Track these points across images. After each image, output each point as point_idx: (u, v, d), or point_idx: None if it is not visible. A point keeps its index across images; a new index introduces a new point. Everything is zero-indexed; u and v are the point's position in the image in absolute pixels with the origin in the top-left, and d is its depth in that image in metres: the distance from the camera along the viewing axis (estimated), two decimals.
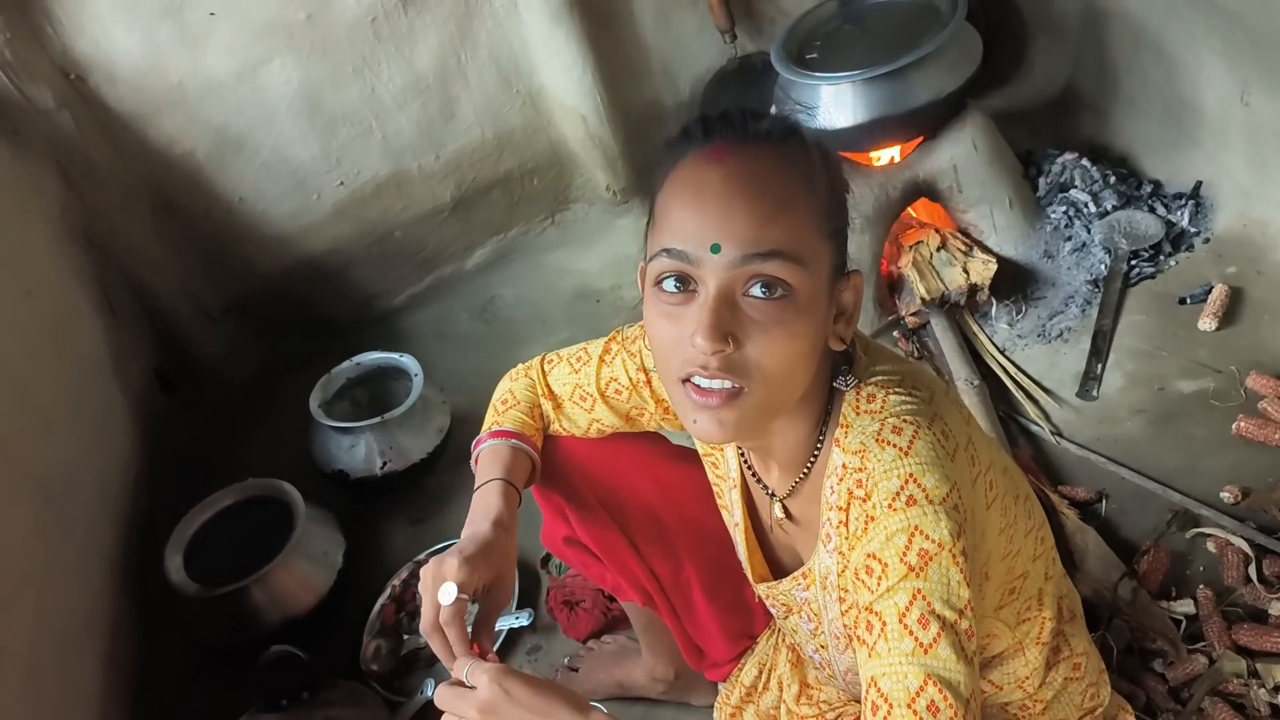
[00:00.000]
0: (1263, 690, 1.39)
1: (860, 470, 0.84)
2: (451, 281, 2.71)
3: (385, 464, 2.02)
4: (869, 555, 0.81)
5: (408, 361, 2.13)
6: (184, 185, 2.28)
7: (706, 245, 0.80)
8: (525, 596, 1.84)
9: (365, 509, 2.08)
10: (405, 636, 1.81)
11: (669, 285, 0.83)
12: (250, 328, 2.51)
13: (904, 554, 0.79)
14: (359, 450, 2.03)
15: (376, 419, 2.00)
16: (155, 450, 2.16)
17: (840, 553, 0.89)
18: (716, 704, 1.42)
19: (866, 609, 0.81)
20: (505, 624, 1.78)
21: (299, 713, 1.63)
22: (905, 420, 0.84)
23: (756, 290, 0.81)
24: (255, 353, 2.52)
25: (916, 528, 0.79)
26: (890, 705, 0.76)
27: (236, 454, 2.28)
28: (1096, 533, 1.65)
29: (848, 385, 0.90)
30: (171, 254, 2.34)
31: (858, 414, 0.88)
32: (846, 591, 0.84)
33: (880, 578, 0.80)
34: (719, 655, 1.37)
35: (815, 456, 0.94)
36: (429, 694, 1.67)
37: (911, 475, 0.81)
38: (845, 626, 0.95)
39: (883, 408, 0.87)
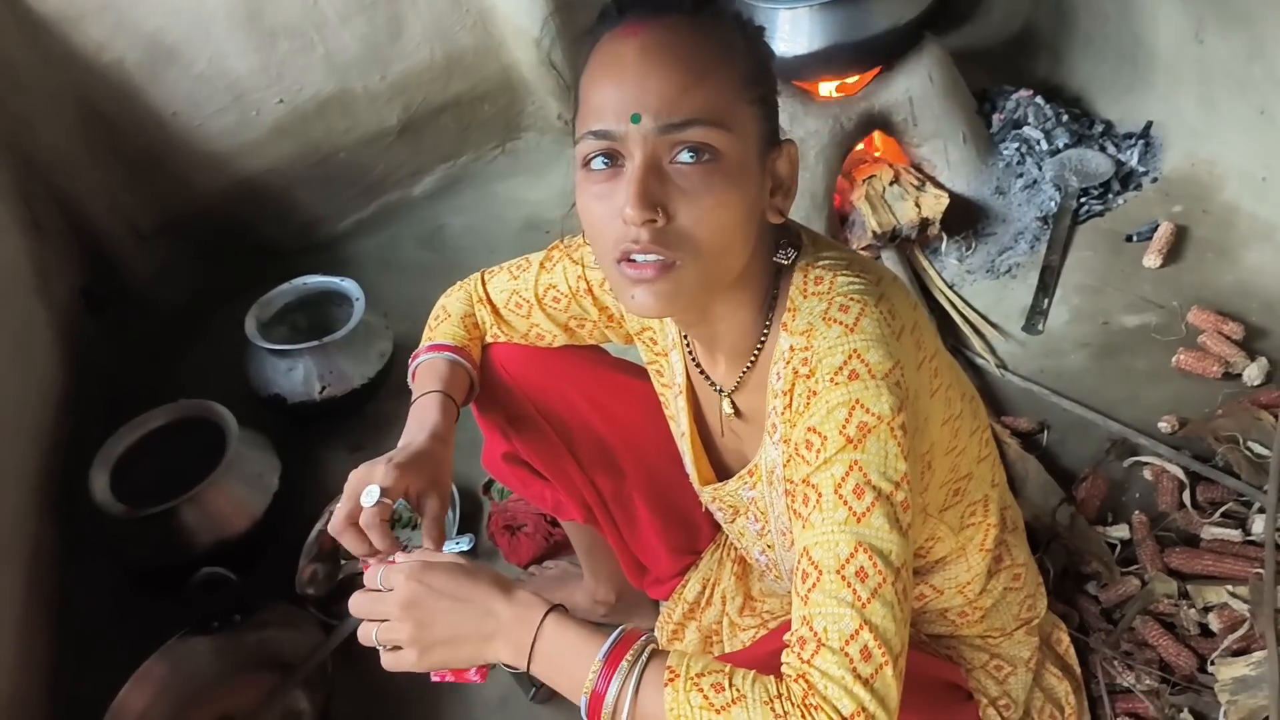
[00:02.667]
0: (1192, 610, 1.43)
1: (806, 349, 0.83)
2: (398, 208, 2.62)
3: (324, 388, 1.97)
4: (809, 429, 0.81)
5: (349, 285, 2.07)
6: (113, 95, 2.17)
7: (627, 117, 0.79)
8: (466, 522, 1.82)
9: (304, 435, 2.03)
10: (343, 561, 1.77)
11: (597, 164, 0.82)
12: (186, 249, 2.41)
13: (843, 426, 0.78)
14: (297, 374, 1.97)
15: (315, 342, 1.94)
16: (82, 372, 2.08)
17: (785, 440, 0.88)
18: (658, 623, 1.41)
19: (804, 481, 0.80)
20: (446, 549, 1.76)
21: (231, 635, 1.60)
22: (852, 299, 0.83)
23: (684, 156, 0.80)
24: (191, 275, 2.42)
25: (857, 401, 0.78)
26: (820, 572, 0.75)
27: (170, 378, 2.20)
28: (1037, 461, 1.67)
29: (788, 258, 0.89)
30: (101, 168, 2.23)
31: (805, 296, 0.87)
32: (791, 484, 0.83)
33: (819, 450, 0.79)
34: (662, 570, 1.36)
35: (762, 342, 0.92)
36: None
37: (856, 350, 0.80)
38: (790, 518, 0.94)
39: (830, 288, 0.86)
